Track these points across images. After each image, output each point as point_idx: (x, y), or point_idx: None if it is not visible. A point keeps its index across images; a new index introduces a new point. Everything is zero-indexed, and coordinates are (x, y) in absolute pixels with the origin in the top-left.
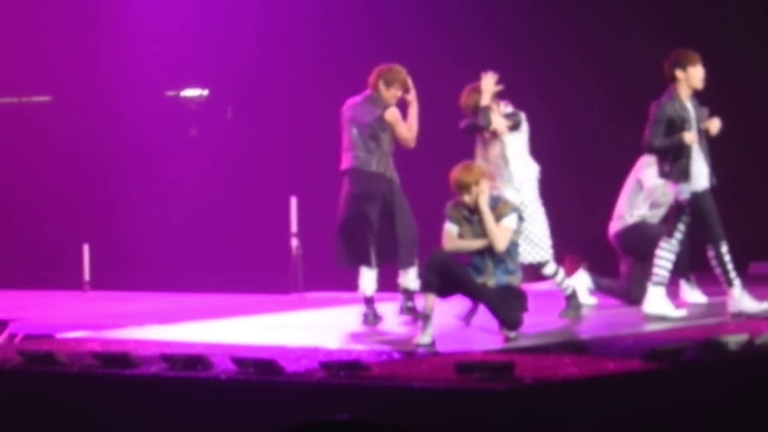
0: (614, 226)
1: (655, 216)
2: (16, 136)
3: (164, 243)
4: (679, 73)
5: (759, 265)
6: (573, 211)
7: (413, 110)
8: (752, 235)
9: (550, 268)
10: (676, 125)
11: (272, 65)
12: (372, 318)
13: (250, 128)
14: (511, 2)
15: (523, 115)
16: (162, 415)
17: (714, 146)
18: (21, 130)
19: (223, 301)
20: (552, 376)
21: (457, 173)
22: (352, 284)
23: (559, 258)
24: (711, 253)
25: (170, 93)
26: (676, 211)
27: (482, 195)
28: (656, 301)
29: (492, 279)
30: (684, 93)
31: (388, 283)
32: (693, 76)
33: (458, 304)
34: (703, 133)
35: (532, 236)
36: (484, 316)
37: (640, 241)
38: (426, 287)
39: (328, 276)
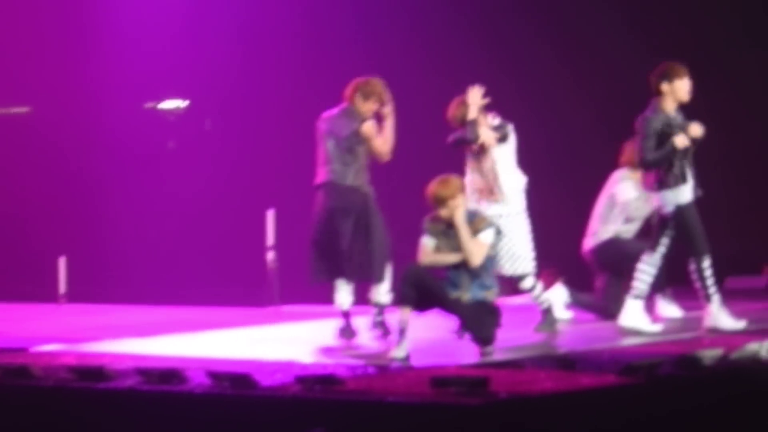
0: (588, 243)
1: (628, 231)
2: None
3: (140, 256)
4: (665, 86)
5: (735, 279)
6: (550, 224)
7: (389, 124)
8: (729, 249)
9: (528, 282)
10: (666, 137)
11: (251, 77)
12: (348, 332)
13: (228, 141)
14: (495, 14)
15: (510, 127)
16: (137, 429)
17: (695, 158)
18: None
19: (198, 314)
20: (527, 391)
21: (433, 187)
22: (328, 298)
23: (537, 272)
24: (692, 267)
25: (149, 105)
26: (659, 224)
27: (458, 209)
28: (633, 315)
29: (467, 294)
30: (669, 106)
31: (361, 297)
32: (679, 89)
33: (433, 318)
34: (690, 146)
35: (516, 248)
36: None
37: (615, 257)
38: (401, 301)
39: (305, 290)
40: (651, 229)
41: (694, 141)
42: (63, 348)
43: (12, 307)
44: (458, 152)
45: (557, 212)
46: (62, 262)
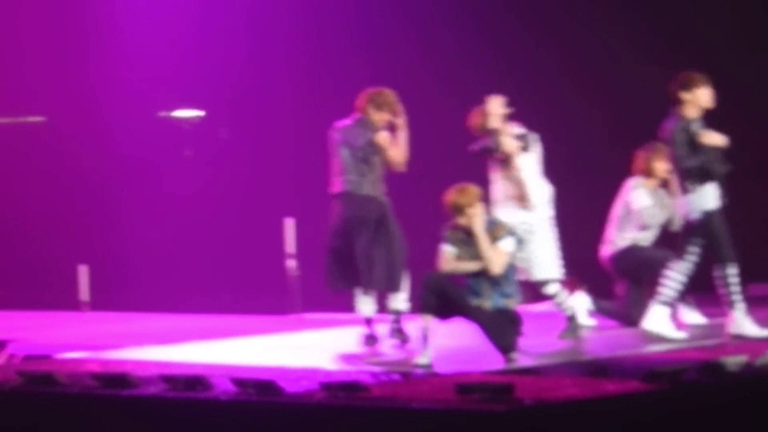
0: (605, 251)
1: (645, 239)
2: (11, 156)
3: (162, 263)
4: (685, 95)
5: (759, 286)
6: (570, 232)
7: (402, 134)
8: (753, 256)
9: (553, 288)
10: (694, 143)
11: (267, 85)
12: (371, 339)
13: (245, 149)
14: (505, 27)
15: (534, 137)
16: None
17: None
18: (15, 151)
19: (221, 321)
20: (552, 397)
21: (451, 196)
22: (349, 305)
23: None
24: (718, 273)
25: (164, 114)
26: (685, 231)
27: (477, 218)
28: (657, 320)
29: (488, 301)
30: (691, 114)
31: (384, 305)
32: (700, 97)
33: (457, 325)
34: (719, 151)
35: (543, 253)
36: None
37: (633, 265)
38: (424, 308)
39: (326, 297)
40: (667, 236)
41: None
42: (87, 355)
43: (35, 315)
44: (479, 161)
45: (576, 220)
46: (83, 270)
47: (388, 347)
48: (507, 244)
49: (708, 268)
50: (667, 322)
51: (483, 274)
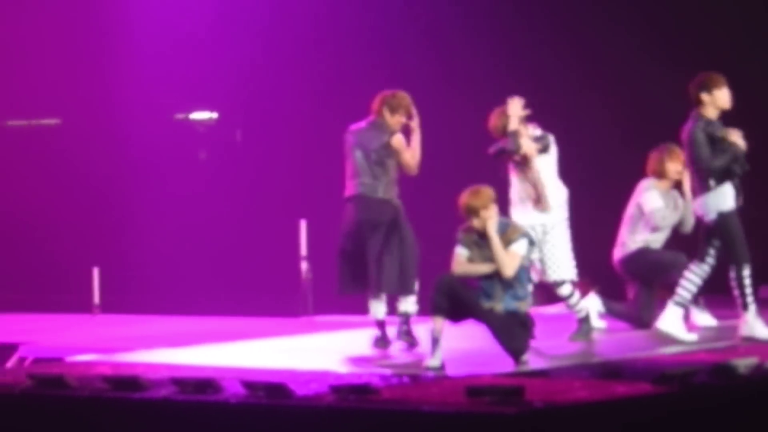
0: (618, 253)
1: (657, 241)
2: (26, 158)
3: (174, 266)
4: (705, 96)
5: None
6: (583, 234)
7: (416, 137)
8: (763, 257)
9: (566, 289)
10: (714, 143)
11: (281, 88)
12: (383, 342)
13: (259, 151)
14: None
15: (551, 138)
16: None
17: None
18: (30, 153)
19: (232, 324)
20: (563, 400)
21: (465, 198)
22: (361, 308)
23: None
24: (732, 275)
25: (179, 116)
26: (705, 233)
27: (490, 220)
28: (671, 321)
29: (500, 304)
30: (710, 114)
31: (395, 307)
32: (719, 98)
33: (468, 327)
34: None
35: (558, 254)
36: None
37: (645, 267)
38: (434, 310)
39: (338, 300)
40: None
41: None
42: (98, 358)
43: (47, 318)
44: (496, 163)
45: (589, 222)
46: (96, 273)
47: (396, 350)
48: (520, 247)
49: (718, 269)
50: (680, 323)
51: (495, 277)
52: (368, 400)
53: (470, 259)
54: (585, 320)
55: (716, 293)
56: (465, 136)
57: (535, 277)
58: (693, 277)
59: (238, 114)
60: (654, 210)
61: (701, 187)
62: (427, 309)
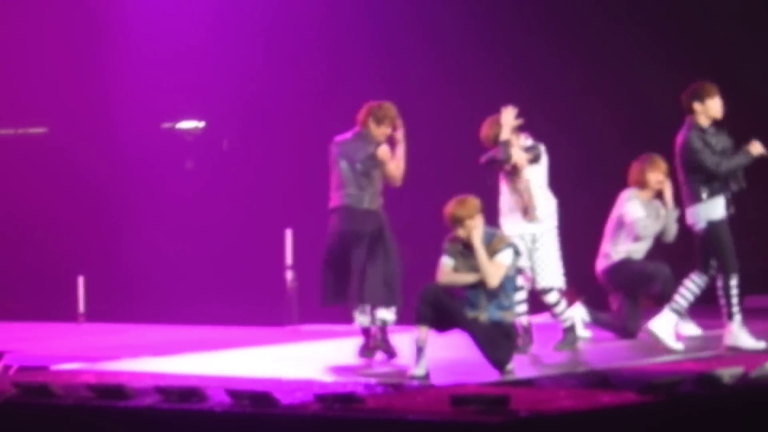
0: (600, 264)
1: (639, 250)
2: (12, 167)
3: (159, 275)
4: (697, 106)
5: (754, 298)
6: (569, 244)
7: (401, 148)
8: (749, 267)
9: (553, 296)
10: (712, 149)
11: (269, 97)
12: (368, 351)
13: (246, 160)
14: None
15: (542, 148)
16: None
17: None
18: (17, 162)
19: (217, 333)
20: (547, 409)
21: (451, 207)
22: (346, 317)
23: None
24: (719, 284)
25: (166, 125)
26: (700, 244)
27: (475, 230)
28: (663, 325)
29: (485, 314)
30: (703, 123)
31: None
32: (711, 107)
33: (452, 337)
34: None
35: (547, 261)
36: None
37: (628, 278)
38: (419, 320)
39: (323, 309)
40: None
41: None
42: (83, 366)
43: (31, 326)
44: (486, 172)
45: (575, 232)
46: (81, 282)
47: (378, 359)
48: (505, 257)
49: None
50: (671, 330)
51: (480, 286)
52: (353, 409)
53: (455, 269)
54: (570, 330)
55: (701, 303)
56: (453, 146)
57: (526, 285)
58: (692, 286)
59: (225, 123)
60: (635, 220)
61: (692, 197)
62: (411, 318)
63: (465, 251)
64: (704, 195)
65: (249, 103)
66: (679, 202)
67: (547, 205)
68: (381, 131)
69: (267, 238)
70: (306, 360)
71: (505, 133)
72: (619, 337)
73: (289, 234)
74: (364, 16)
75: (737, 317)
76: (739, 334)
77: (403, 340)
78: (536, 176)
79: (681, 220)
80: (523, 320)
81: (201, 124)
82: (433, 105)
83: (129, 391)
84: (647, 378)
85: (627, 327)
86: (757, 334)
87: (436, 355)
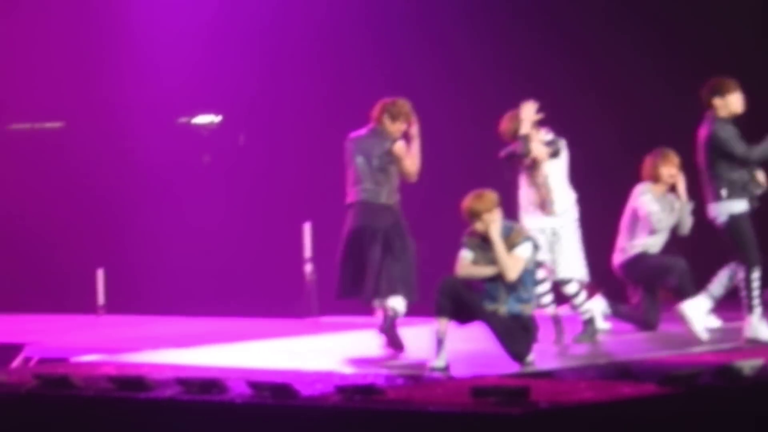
0: (617, 258)
1: (655, 244)
2: (30, 162)
3: (178, 268)
4: (717, 101)
5: None
6: (590, 237)
7: (416, 144)
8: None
9: (573, 287)
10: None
11: (285, 90)
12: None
13: (263, 154)
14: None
15: (563, 142)
16: None
17: None
18: (34, 156)
19: (237, 325)
20: (568, 401)
21: (468, 201)
22: (366, 309)
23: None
24: (741, 276)
25: (182, 119)
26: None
27: (493, 224)
28: (696, 309)
29: (504, 306)
30: (724, 117)
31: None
32: (732, 102)
33: (472, 329)
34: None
35: (567, 253)
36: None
37: (645, 272)
38: (439, 312)
39: (343, 301)
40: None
41: None
42: (103, 358)
43: (52, 319)
44: (505, 166)
45: (594, 225)
46: (100, 274)
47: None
48: (523, 250)
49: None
50: (702, 315)
51: (500, 279)
52: (373, 401)
53: (474, 262)
54: (590, 322)
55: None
56: (469, 141)
57: (550, 277)
58: (730, 276)
59: (242, 117)
60: (649, 213)
61: (714, 194)
62: (430, 311)
63: (483, 245)
64: (724, 193)
65: (265, 96)
66: (693, 195)
67: (566, 198)
68: (396, 127)
69: (286, 232)
70: (326, 352)
71: (525, 128)
72: (639, 329)
73: (307, 227)
74: (380, 12)
75: (757, 310)
76: (759, 327)
77: (421, 333)
78: (556, 171)
79: (696, 212)
80: (551, 311)
81: (217, 119)
82: (449, 101)
83: (149, 382)
84: (667, 370)
85: (647, 320)
86: None
87: (456, 347)
